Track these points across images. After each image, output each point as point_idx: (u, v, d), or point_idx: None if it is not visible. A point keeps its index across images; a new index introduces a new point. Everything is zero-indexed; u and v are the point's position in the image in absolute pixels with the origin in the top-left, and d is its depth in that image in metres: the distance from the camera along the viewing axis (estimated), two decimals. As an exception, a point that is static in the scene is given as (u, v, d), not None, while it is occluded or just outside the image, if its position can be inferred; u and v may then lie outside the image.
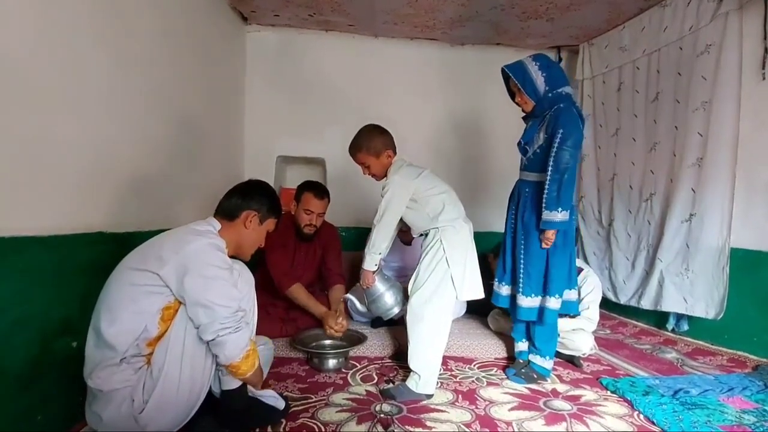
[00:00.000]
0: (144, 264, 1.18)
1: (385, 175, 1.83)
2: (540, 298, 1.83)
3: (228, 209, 1.39)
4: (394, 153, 1.84)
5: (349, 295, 2.07)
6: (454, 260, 1.72)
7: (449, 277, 1.72)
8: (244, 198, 1.40)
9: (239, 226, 1.38)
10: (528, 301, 1.84)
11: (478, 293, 1.80)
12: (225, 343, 1.18)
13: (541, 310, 1.82)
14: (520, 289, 1.86)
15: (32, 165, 1.25)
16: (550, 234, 1.75)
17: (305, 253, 2.33)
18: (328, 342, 2.09)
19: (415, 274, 1.78)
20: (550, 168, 1.72)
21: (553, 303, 1.81)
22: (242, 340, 1.21)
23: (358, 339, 2.06)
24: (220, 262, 1.23)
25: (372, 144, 1.79)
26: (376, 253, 1.78)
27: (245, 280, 1.36)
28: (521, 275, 1.86)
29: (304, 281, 2.23)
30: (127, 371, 1.14)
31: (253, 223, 1.40)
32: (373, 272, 1.83)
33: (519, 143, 1.93)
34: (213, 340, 1.17)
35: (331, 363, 1.93)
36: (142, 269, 1.18)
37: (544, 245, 1.78)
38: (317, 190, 2.20)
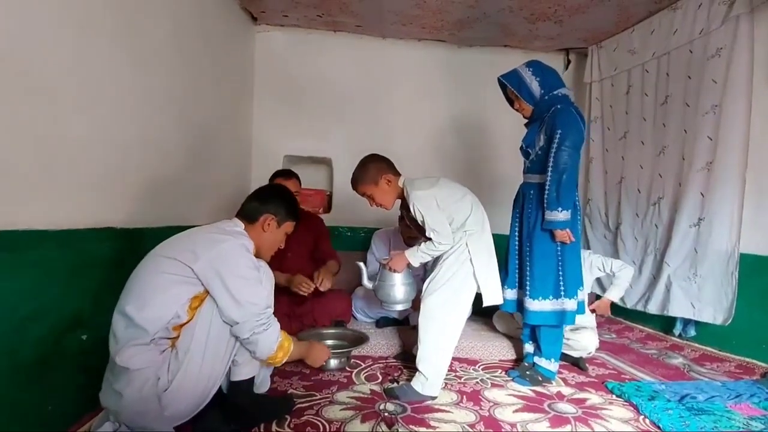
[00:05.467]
0: (178, 255, 1.23)
1: (394, 202, 1.80)
2: (548, 301, 1.82)
3: (248, 212, 1.45)
4: (395, 176, 1.77)
5: (360, 263, 1.91)
6: (480, 264, 1.71)
7: (471, 281, 1.71)
8: (263, 202, 1.46)
9: (258, 229, 1.43)
10: (536, 305, 1.83)
11: (498, 298, 1.80)
12: (258, 341, 1.27)
13: (562, 313, 1.81)
14: (528, 293, 1.85)
15: (47, 162, 1.27)
16: (560, 233, 1.76)
17: (297, 241, 2.32)
18: (330, 342, 2.10)
19: (433, 274, 1.75)
20: (549, 168, 1.74)
21: (571, 305, 1.80)
22: (274, 335, 1.31)
23: (360, 339, 2.06)
24: (251, 263, 1.31)
25: (366, 173, 1.75)
26: (429, 256, 1.73)
27: (268, 277, 1.41)
28: (527, 278, 1.85)
29: (297, 269, 2.22)
30: (153, 351, 1.18)
31: (271, 226, 1.45)
32: (408, 266, 1.77)
33: (521, 147, 1.95)
34: (248, 338, 1.26)
35: (333, 363, 1.93)
36: (176, 259, 1.22)
37: (559, 240, 1.79)
38: (283, 174, 2.32)
